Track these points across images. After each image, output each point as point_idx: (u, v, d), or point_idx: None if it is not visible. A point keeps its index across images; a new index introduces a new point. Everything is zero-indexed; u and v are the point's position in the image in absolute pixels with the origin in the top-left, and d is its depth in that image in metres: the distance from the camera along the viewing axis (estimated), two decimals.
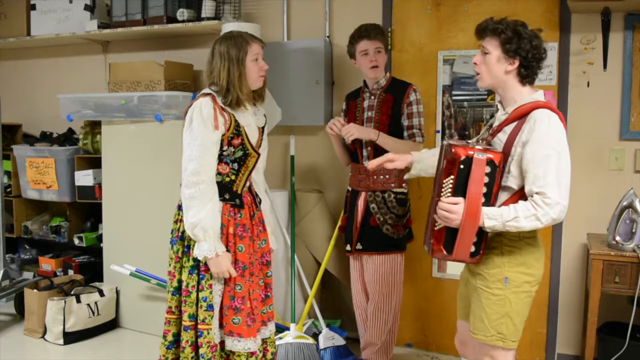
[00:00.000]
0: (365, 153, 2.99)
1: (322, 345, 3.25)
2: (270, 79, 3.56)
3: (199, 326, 2.34)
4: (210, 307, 2.34)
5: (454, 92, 3.36)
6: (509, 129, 2.06)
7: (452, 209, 1.98)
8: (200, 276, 2.35)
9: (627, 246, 2.69)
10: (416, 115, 2.96)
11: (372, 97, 3.01)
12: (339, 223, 3.26)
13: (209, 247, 2.28)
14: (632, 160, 3.03)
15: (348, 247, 3.09)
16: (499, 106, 2.16)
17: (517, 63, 2.03)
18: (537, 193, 1.93)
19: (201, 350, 2.33)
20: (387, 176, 2.96)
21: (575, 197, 3.12)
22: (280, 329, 3.37)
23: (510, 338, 2.08)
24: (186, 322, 2.37)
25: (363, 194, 3.00)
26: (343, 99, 3.22)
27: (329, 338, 3.26)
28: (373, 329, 3.05)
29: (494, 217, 1.96)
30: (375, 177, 2.96)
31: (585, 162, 3.11)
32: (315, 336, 3.33)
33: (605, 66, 2.99)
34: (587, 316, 2.83)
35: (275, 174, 3.82)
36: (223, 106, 2.34)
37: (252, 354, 2.40)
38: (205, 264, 2.34)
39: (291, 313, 3.38)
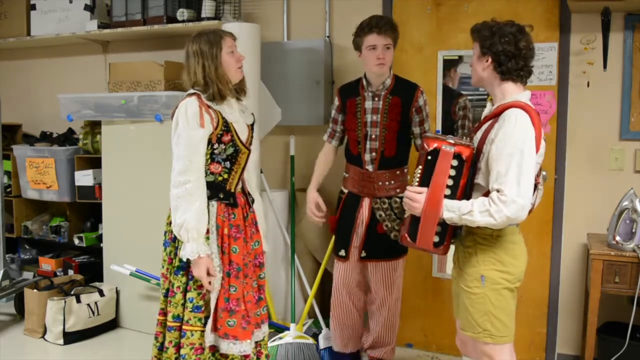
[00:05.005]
0: (368, 157, 2.89)
1: (322, 345, 3.25)
2: (270, 79, 3.59)
3: (184, 327, 2.33)
4: (196, 309, 2.32)
5: (457, 92, 3.36)
6: (485, 126, 2.12)
7: (415, 197, 2.06)
8: (189, 277, 2.34)
9: (627, 246, 2.69)
10: (426, 119, 2.90)
11: (377, 99, 2.87)
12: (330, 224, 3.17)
13: (191, 248, 2.26)
14: (632, 160, 3.03)
15: (342, 253, 2.99)
16: (488, 104, 2.22)
17: (490, 59, 2.10)
18: (496, 190, 1.96)
19: (182, 351, 2.32)
20: (392, 182, 2.89)
21: (575, 197, 3.13)
22: (280, 329, 3.37)
23: (499, 334, 2.10)
24: (170, 322, 2.36)
25: (367, 200, 2.91)
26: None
27: (328, 338, 3.25)
28: (388, 330, 3.05)
29: (452, 210, 2.01)
30: (380, 183, 2.89)
31: (585, 162, 3.11)
32: (315, 336, 3.33)
33: (605, 66, 2.99)
34: (587, 316, 2.83)
35: (275, 174, 3.82)
36: (209, 104, 2.34)
37: (246, 356, 2.38)
38: None
39: (291, 313, 3.38)
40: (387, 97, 2.86)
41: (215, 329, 2.34)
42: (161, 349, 2.43)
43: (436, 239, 2.09)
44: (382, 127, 2.85)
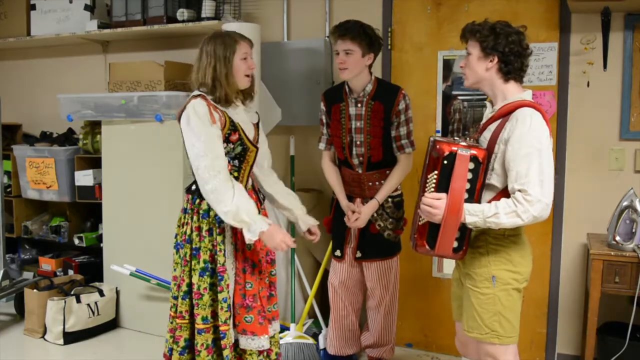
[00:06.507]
0: (356, 162, 2.89)
1: (322, 345, 3.26)
2: (270, 79, 3.59)
3: (222, 328, 2.33)
4: (230, 308, 2.34)
5: (454, 92, 3.36)
6: (493, 126, 2.09)
7: (434, 204, 2.00)
8: (219, 277, 2.33)
9: (627, 246, 2.69)
10: (404, 124, 2.84)
11: (359, 105, 2.83)
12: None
13: (259, 224, 2.25)
14: (632, 160, 3.03)
15: (338, 253, 3.01)
16: (488, 105, 2.20)
17: (495, 59, 2.07)
18: (519, 190, 1.95)
19: (225, 352, 2.32)
20: (382, 181, 2.88)
21: (575, 197, 3.13)
22: (281, 329, 3.37)
23: (506, 335, 2.09)
24: (200, 325, 2.34)
25: (358, 201, 2.91)
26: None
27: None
28: (386, 329, 3.06)
29: (475, 213, 1.98)
30: (370, 183, 2.89)
31: (585, 162, 3.11)
32: (315, 336, 3.33)
33: (605, 66, 2.99)
34: (587, 316, 2.83)
35: (276, 173, 3.81)
36: (215, 105, 2.33)
37: (262, 352, 2.40)
38: (223, 265, 2.33)
39: (291, 313, 3.38)
40: (369, 103, 2.83)
41: (233, 325, 2.37)
42: (183, 353, 2.40)
43: (455, 244, 2.05)
44: (367, 133, 2.83)
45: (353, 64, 2.75)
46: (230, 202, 2.22)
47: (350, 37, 2.73)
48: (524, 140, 1.96)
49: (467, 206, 1.99)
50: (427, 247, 2.08)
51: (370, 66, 2.84)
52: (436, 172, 2.03)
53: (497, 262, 2.08)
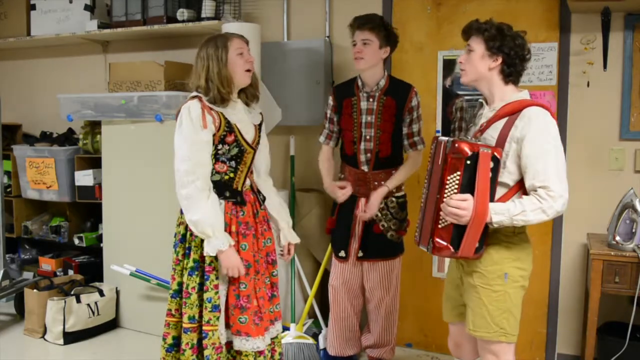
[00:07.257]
0: (363, 158, 2.89)
1: (322, 345, 3.26)
2: (270, 79, 3.59)
3: (204, 327, 2.33)
4: (215, 308, 2.33)
5: (454, 92, 3.35)
6: (499, 124, 2.08)
7: (462, 205, 1.98)
8: (205, 277, 2.34)
9: (627, 246, 2.69)
10: (416, 121, 2.89)
11: (371, 100, 2.87)
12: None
13: (220, 241, 2.26)
14: (632, 160, 3.03)
15: (342, 254, 3.00)
16: (484, 103, 2.20)
17: (500, 60, 2.08)
18: (540, 187, 1.97)
19: (206, 352, 2.32)
20: None
21: (575, 197, 3.10)
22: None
23: (512, 332, 2.11)
24: (186, 324, 2.36)
25: (363, 201, 2.91)
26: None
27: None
28: (386, 330, 3.06)
29: (501, 212, 1.99)
30: (376, 183, 2.88)
31: (585, 162, 3.11)
32: (315, 336, 3.33)
33: (605, 66, 2.99)
34: (587, 316, 2.83)
35: (275, 174, 3.81)
36: (211, 106, 2.34)
37: (260, 353, 2.38)
38: (210, 264, 2.33)
39: (291, 313, 3.38)
40: (381, 98, 2.85)
41: (228, 325, 2.37)
42: (170, 350, 2.43)
43: (477, 244, 2.04)
44: (377, 128, 2.84)
45: (370, 54, 2.79)
46: (200, 211, 2.25)
47: (369, 27, 2.78)
48: (540, 138, 1.99)
49: (492, 206, 1.99)
50: (451, 250, 2.05)
51: (384, 61, 2.88)
52: (459, 173, 1.99)
53: (509, 259, 2.09)
